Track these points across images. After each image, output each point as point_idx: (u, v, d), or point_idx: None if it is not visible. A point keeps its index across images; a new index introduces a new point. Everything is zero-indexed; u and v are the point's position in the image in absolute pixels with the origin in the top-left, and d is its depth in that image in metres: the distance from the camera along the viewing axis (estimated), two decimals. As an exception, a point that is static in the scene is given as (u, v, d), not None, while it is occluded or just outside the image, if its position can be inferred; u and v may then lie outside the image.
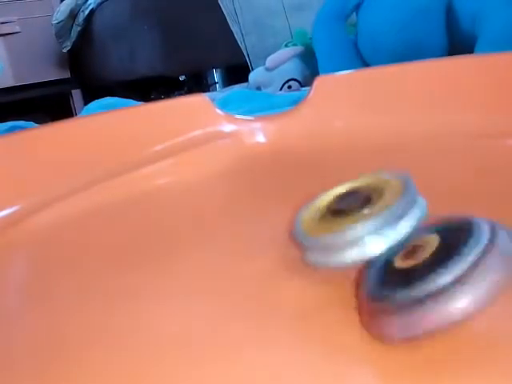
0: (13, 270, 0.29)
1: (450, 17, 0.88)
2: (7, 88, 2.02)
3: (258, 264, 0.23)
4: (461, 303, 0.13)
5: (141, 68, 1.63)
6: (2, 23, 2.02)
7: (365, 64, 0.97)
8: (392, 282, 0.15)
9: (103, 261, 0.27)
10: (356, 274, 0.18)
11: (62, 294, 0.24)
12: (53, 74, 2.12)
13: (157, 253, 0.27)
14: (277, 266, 0.22)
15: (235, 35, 1.50)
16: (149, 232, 0.30)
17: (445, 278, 0.14)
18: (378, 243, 0.17)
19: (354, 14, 1.02)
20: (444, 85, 0.40)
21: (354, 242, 0.17)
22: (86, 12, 1.80)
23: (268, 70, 1.20)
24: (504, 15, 0.79)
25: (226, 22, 1.50)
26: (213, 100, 0.44)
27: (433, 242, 0.16)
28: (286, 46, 1.26)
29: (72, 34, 1.89)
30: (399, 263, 0.16)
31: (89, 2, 1.79)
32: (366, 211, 0.17)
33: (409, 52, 0.88)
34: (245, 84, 1.27)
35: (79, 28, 1.85)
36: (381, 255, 0.17)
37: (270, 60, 1.20)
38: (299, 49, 1.22)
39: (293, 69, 1.19)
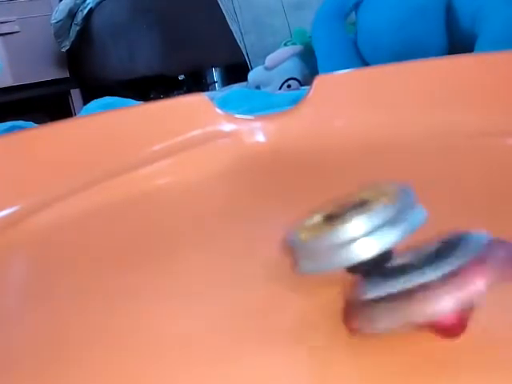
0: (13, 270, 0.29)
1: (450, 16, 0.88)
2: (6, 88, 2.02)
3: (257, 264, 0.23)
4: (443, 301, 0.14)
5: (140, 67, 1.63)
6: (1, 23, 2.02)
7: (364, 63, 0.97)
8: (378, 278, 0.16)
9: (103, 261, 0.27)
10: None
11: (62, 295, 0.24)
12: (52, 73, 2.11)
13: (157, 253, 0.27)
14: (277, 266, 0.22)
15: (234, 34, 1.50)
16: (148, 232, 0.30)
17: (429, 276, 0.14)
18: (368, 247, 0.16)
19: (354, 12, 1.02)
20: (444, 84, 0.40)
21: (343, 245, 0.16)
22: (85, 11, 1.79)
23: (267, 69, 1.20)
24: (504, 14, 0.79)
25: (226, 21, 1.50)
26: (212, 99, 0.44)
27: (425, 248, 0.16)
28: (286, 44, 1.26)
29: (71, 33, 1.89)
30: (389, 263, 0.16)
31: (87, 2, 1.79)
32: (358, 214, 0.17)
33: (408, 51, 0.88)
34: (244, 83, 1.27)
35: (78, 27, 1.85)
36: (371, 259, 0.16)
37: (270, 59, 1.20)
38: (298, 48, 1.22)
39: (292, 68, 1.19)
